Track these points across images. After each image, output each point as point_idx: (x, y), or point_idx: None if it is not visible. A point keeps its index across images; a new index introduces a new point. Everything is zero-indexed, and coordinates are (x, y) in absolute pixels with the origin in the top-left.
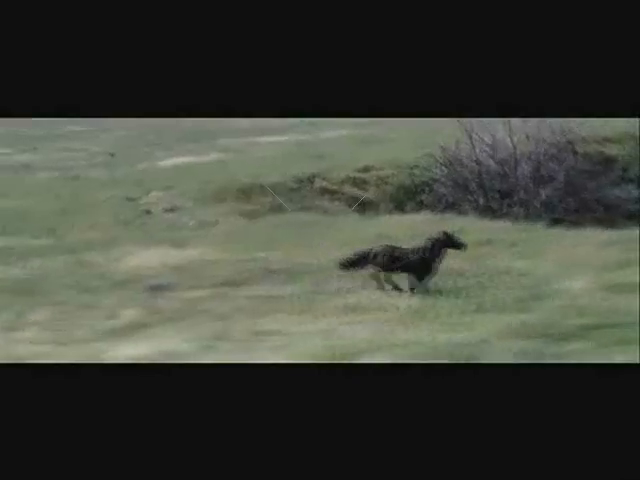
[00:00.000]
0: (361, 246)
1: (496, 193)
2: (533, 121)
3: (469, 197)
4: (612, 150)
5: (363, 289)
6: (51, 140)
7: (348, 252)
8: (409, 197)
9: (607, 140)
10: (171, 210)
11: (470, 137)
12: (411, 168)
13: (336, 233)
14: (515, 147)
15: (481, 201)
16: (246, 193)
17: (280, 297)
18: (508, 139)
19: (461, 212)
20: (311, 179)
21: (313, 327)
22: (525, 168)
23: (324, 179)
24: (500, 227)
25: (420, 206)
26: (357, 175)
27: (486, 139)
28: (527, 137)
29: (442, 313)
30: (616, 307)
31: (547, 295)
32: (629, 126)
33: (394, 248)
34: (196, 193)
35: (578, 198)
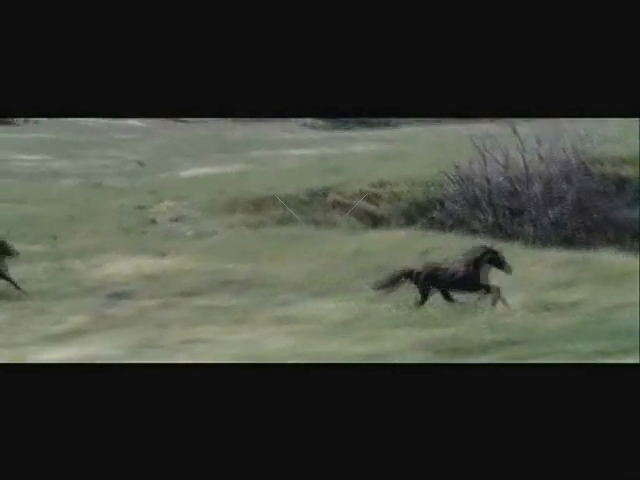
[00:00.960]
0: (341, 260)
1: (506, 211)
2: (547, 141)
3: (479, 215)
4: (628, 171)
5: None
6: (91, 147)
7: (385, 273)
8: (421, 213)
9: (623, 161)
10: (176, 220)
11: (483, 156)
12: (427, 185)
13: (317, 247)
14: (527, 166)
15: (490, 219)
16: (257, 205)
17: (224, 308)
18: (521, 158)
19: (471, 229)
20: (325, 192)
21: (239, 336)
22: (536, 187)
23: (338, 193)
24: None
25: (431, 222)
26: (371, 190)
27: (499, 158)
28: (540, 157)
29: (366, 326)
30: (534, 325)
31: (476, 311)
32: None
33: (435, 265)
34: (207, 204)
35: (588, 218)
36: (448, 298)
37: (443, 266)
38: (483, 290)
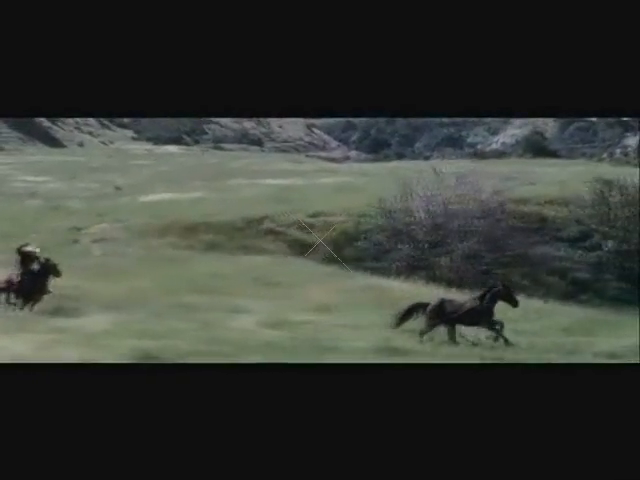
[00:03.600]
0: (198, 281)
1: (425, 244)
2: (467, 180)
3: (399, 246)
4: (549, 211)
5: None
6: (100, 171)
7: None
8: (348, 242)
9: (547, 202)
10: (97, 241)
11: (409, 191)
12: (359, 216)
13: (183, 269)
14: (447, 203)
15: (410, 250)
16: (189, 229)
17: (27, 317)
18: (442, 195)
19: (391, 258)
20: (260, 220)
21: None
22: (454, 223)
23: (272, 221)
24: (320, 272)
25: (358, 251)
26: (306, 220)
27: (422, 193)
28: (461, 195)
29: (107, 337)
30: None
31: (219, 326)
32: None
33: (448, 301)
34: (141, 227)
35: (503, 253)
36: (452, 337)
37: (454, 302)
38: (490, 324)
